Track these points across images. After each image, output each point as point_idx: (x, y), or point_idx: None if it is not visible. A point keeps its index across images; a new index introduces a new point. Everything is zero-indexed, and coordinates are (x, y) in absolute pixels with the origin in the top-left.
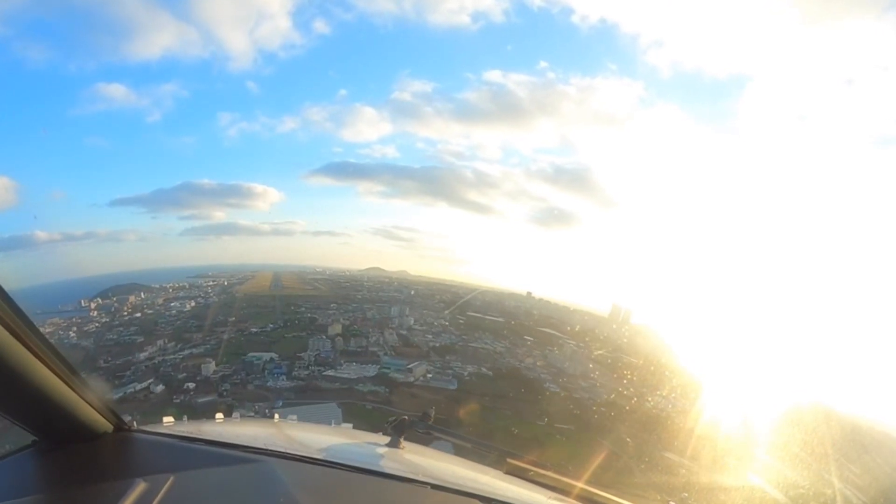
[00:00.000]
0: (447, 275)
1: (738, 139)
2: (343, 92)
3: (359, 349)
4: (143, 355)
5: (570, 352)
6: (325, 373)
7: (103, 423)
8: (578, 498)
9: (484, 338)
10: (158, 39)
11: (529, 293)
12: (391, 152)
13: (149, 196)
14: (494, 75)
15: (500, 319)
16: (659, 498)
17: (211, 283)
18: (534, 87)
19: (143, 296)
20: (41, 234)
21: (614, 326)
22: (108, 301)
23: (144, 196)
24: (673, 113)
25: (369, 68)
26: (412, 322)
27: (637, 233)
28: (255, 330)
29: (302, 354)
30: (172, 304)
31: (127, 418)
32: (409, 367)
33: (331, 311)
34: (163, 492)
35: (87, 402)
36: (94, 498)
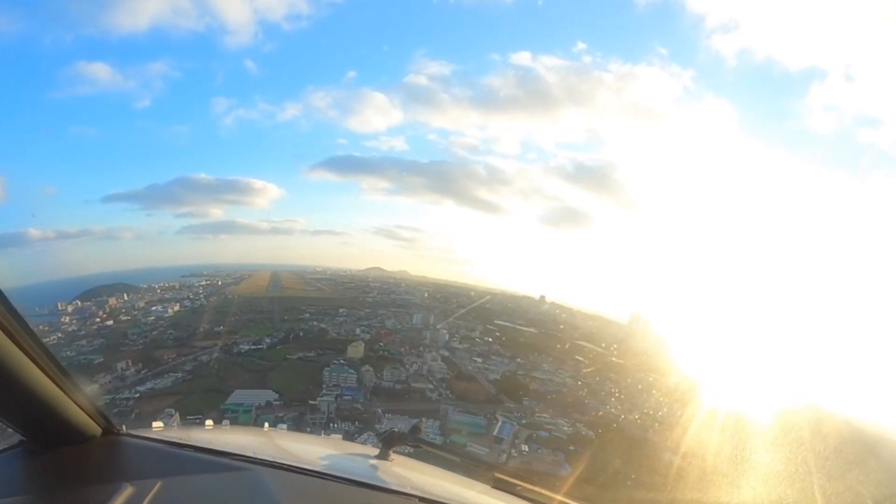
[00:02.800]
0: (448, 275)
1: (793, 141)
2: (351, 74)
3: (398, 385)
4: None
5: (641, 385)
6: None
7: (92, 426)
8: None
9: (541, 363)
10: (145, 7)
11: (543, 297)
12: (399, 145)
13: (143, 192)
14: (523, 57)
15: (532, 330)
16: None
17: (203, 282)
18: (566, 72)
19: (125, 297)
20: (34, 232)
21: (645, 345)
22: (86, 304)
23: (138, 192)
24: (721, 108)
25: (382, 46)
26: (447, 337)
27: (660, 237)
28: (246, 347)
29: (316, 401)
30: (153, 309)
31: (117, 422)
32: (496, 433)
33: (341, 319)
34: (150, 497)
35: (77, 404)
36: (81, 501)
